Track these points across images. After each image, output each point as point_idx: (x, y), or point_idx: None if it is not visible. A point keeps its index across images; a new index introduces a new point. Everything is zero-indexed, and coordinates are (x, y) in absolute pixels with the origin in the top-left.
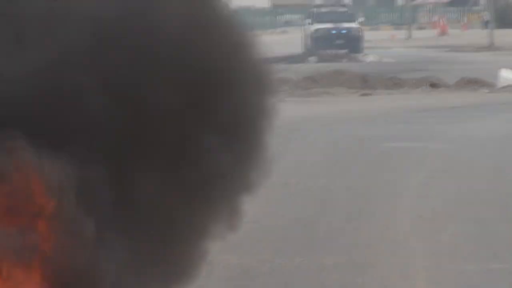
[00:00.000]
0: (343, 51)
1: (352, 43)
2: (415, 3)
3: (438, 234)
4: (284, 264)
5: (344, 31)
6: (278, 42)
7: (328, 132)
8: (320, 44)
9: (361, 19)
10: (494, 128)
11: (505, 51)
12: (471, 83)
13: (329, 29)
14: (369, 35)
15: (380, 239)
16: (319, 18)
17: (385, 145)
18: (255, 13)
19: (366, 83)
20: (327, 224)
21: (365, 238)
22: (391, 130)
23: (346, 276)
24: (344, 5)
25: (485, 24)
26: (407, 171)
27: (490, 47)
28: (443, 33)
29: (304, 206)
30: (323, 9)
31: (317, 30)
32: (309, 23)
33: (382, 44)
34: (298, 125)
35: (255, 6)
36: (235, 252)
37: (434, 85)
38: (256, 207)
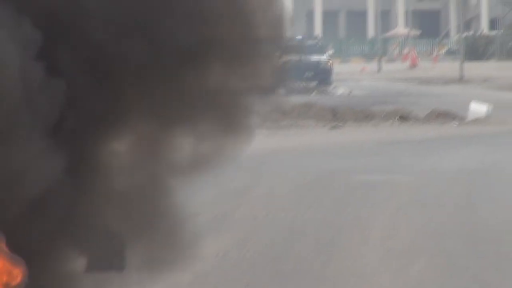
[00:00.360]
0: (312, 84)
1: (321, 76)
2: (386, 36)
3: (407, 268)
4: None
5: (313, 64)
6: None
7: (298, 165)
8: (290, 76)
9: (330, 52)
10: (463, 161)
11: (475, 84)
12: (441, 115)
13: (298, 62)
14: (340, 68)
15: (349, 274)
16: (287, 51)
17: (355, 177)
18: None
19: (336, 115)
20: (295, 258)
21: (333, 272)
22: (361, 163)
23: None
24: (314, 37)
25: (449, 54)
26: (377, 204)
27: (460, 79)
28: (413, 65)
29: (273, 239)
30: (291, 41)
31: (286, 63)
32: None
33: (353, 77)
34: (267, 158)
35: None
36: (203, 285)
37: (404, 118)
38: (225, 239)
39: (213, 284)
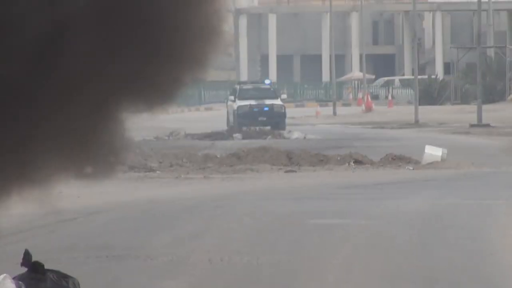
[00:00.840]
0: (266, 128)
1: (275, 120)
2: (341, 80)
3: None
4: None
5: (266, 108)
6: (203, 119)
7: (253, 209)
8: (244, 120)
9: (283, 96)
10: (418, 205)
11: (430, 128)
12: (396, 159)
13: (251, 106)
14: (294, 112)
15: None
16: (242, 94)
17: (310, 221)
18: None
19: (291, 159)
20: None
21: None
22: (316, 207)
23: None
24: (268, 82)
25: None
26: (332, 248)
27: (415, 123)
28: (368, 109)
29: (228, 284)
30: (246, 86)
31: (240, 107)
32: (232, 100)
33: (307, 121)
34: (222, 202)
35: None
36: None
37: (358, 162)
38: (180, 283)
39: None
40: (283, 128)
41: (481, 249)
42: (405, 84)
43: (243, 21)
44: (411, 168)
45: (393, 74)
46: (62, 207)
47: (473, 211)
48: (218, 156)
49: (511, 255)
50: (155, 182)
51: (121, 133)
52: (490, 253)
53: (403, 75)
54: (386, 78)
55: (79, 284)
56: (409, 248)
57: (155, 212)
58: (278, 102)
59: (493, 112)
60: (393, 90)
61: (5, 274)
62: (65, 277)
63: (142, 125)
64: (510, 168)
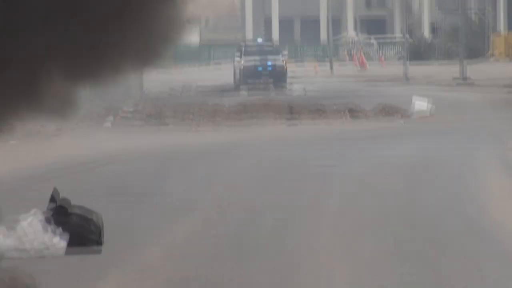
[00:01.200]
0: (269, 82)
1: (277, 76)
2: (338, 39)
3: (356, 246)
4: (214, 274)
5: (269, 65)
6: (213, 75)
7: (258, 157)
8: (249, 77)
9: (285, 53)
10: (407, 154)
11: (418, 83)
12: (387, 108)
13: (256, 63)
14: (295, 69)
15: (304, 250)
16: (247, 52)
17: (309, 167)
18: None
19: (292, 111)
20: (255, 235)
21: (290, 248)
22: (315, 154)
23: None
24: (270, 41)
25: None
26: (329, 190)
27: (405, 79)
28: (362, 67)
29: (236, 219)
30: (251, 45)
31: (245, 64)
32: (238, 57)
33: (307, 76)
34: (229, 150)
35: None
36: (174, 257)
37: (353, 111)
38: (195, 220)
39: (182, 257)
40: (285, 83)
41: (464, 193)
42: (395, 43)
43: None
44: (400, 119)
45: (385, 35)
46: (83, 154)
47: (459, 160)
48: (226, 108)
49: (491, 198)
50: (168, 133)
51: (138, 86)
52: (472, 196)
53: (395, 36)
54: (351, 38)
55: (101, 219)
56: (399, 192)
57: (169, 160)
58: (279, 60)
59: (475, 66)
60: (385, 49)
61: (35, 209)
62: (89, 212)
63: (158, 79)
64: (492, 120)
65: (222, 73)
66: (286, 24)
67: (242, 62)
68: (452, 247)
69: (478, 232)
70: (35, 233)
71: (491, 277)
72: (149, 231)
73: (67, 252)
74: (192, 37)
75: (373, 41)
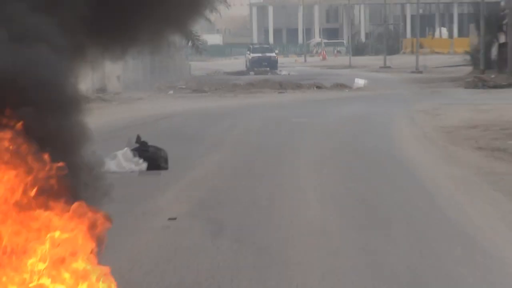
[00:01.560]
0: (267, 69)
1: (272, 64)
2: (309, 42)
3: (320, 168)
4: (231, 185)
5: (267, 57)
6: (232, 64)
7: (259, 114)
8: (254, 65)
9: (276, 51)
10: (353, 111)
11: (358, 69)
12: (339, 86)
13: (259, 57)
14: (283, 60)
15: (287, 172)
16: (253, 50)
17: (292, 120)
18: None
19: (281, 86)
20: (261, 163)
21: (276, 170)
22: (295, 112)
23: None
24: (268, 43)
25: (338, 52)
26: (304, 135)
27: (350, 66)
28: (324, 59)
29: (248, 153)
30: (256, 45)
31: (252, 57)
32: (248, 53)
33: (290, 65)
34: (243, 110)
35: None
36: (203, 181)
37: (319, 87)
38: (220, 154)
39: (216, 174)
40: (276, 69)
41: (385, 134)
42: (344, 44)
43: (253, 9)
44: (347, 90)
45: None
46: (155, 112)
47: (381, 114)
48: (241, 84)
49: (401, 137)
50: (206, 99)
51: (188, 71)
52: (390, 136)
53: (343, 40)
54: (317, 41)
55: (166, 152)
56: (348, 136)
57: (207, 115)
58: (274, 54)
59: (392, 59)
60: (338, 48)
61: (126, 147)
62: (159, 149)
63: (199, 67)
64: (403, 90)
65: (238, 62)
66: (277, 32)
67: (250, 56)
68: (377, 164)
69: (393, 156)
70: (127, 159)
71: (401, 184)
72: (196, 159)
73: (146, 172)
74: (219, 41)
75: (330, 42)
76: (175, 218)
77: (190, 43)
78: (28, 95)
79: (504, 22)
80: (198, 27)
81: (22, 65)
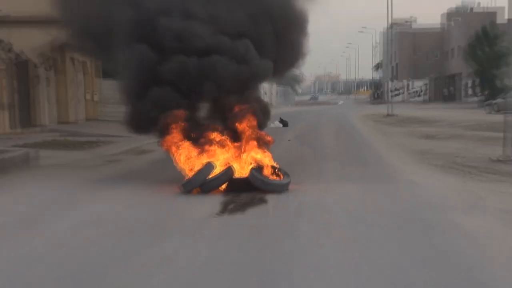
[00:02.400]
0: None
1: None
2: None
3: (323, 132)
4: (297, 148)
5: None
6: None
7: (313, 111)
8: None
9: None
10: (334, 110)
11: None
12: (328, 102)
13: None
14: None
15: (319, 134)
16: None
17: (321, 112)
18: None
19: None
20: (314, 131)
21: (319, 136)
22: (320, 109)
23: None
24: None
25: None
26: (323, 114)
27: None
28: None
29: (310, 127)
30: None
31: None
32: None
33: None
34: (307, 111)
35: None
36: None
37: (320, 103)
38: (299, 129)
39: (300, 130)
40: None
41: (348, 120)
42: None
43: None
44: (331, 106)
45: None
46: (289, 111)
47: (345, 113)
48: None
49: (356, 121)
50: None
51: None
52: (352, 121)
53: None
54: None
55: (288, 122)
56: (334, 116)
57: (298, 113)
58: None
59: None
60: None
61: (276, 121)
62: (286, 121)
63: None
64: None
65: None
66: None
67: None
68: (348, 131)
69: (351, 129)
70: (275, 124)
71: (349, 129)
72: (288, 132)
73: (282, 128)
74: None
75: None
76: (289, 140)
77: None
78: (249, 89)
79: None
80: None
81: (247, 74)
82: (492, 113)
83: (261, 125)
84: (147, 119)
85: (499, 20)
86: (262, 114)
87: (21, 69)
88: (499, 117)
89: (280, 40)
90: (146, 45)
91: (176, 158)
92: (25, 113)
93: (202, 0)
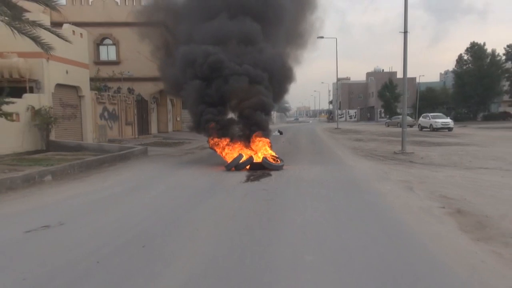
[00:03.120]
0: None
1: None
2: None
3: (310, 137)
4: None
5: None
6: None
7: (299, 128)
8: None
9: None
10: (309, 126)
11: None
12: (307, 121)
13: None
14: None
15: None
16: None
17: (302, 127)
18: None
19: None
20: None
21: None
22: (297, 125)
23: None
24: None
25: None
26: (302, 128)
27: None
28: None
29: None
30: None
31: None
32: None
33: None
34: (291, 127)
35: None
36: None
37: (299, 122)
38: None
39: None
40: None
41: (314, 132)
42: None
43: None
44: (310, 121)
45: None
46: (284, 126)
47: (313, 128)
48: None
49: (320, 133)
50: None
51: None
52: (317, 134)
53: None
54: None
55: (283, 132)
56: (310, 129)
57: (296, 128)
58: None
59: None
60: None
61: (276, 132)
62: (282, 131)
63: None
64: (319, 124)
65: None
66: None
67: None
68: (314, 136)
69: (316, 136)
70: (276, 133)
71: (312, 136)
72: (283, 137)
73: (279, 135)
74: None
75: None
76: (283, 141)
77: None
78: (261, 110)
79: None
80: None
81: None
82: (388, 127)
83: (268, 137)
84: (200, 127)
85: (398, 76)
86: (267, 132)
87: (141, 104)
88: (396, 129)
89: (277, 85)
90: (198, 80)
91: (218, 152)
92: (142, 127)
93: (237, 59)
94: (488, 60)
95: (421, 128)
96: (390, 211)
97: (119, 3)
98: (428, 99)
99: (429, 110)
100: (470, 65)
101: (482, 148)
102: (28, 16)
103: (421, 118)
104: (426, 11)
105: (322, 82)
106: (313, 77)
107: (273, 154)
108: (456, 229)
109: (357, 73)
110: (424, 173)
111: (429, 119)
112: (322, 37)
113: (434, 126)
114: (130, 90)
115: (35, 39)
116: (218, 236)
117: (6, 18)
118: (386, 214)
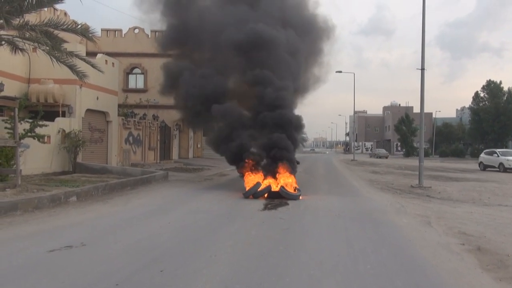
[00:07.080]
0: None
1: None
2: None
3: (322, 164)
4: None
5: None
6: None
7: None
8: None
9: None
10: (325, 157)
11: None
12: (321, 152)
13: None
14: None
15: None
16: None
17: (312, 154)
18: None
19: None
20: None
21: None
22: (313, 155)
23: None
24: None
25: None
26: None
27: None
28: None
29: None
30: None
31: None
32: None
33: None
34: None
35: None
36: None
37: (315, 152)
38: None
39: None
40: None
41: (329, 161)
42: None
43: None
44: (327, 152)
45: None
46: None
47: (328, 158)
48: None
49: (335, 161)
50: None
51: None
52: (331, 160)
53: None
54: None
55: (299, 161)
56: (322, 159)
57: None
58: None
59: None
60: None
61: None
62: (298, 161)
63: None
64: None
65: None
66: None
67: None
68: (330, 167)
69: (332, 166)
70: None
71: (329, 164)
72: (300, 166)
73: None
74: None
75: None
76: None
77: None
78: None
79: None
80: None
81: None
82: (371, 157)
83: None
84: (232, 157)
85: (414, 111)
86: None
87: (164, 130)
88: (414, 162)
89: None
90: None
91: (245, 179)
92: (164, 152)
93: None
94: (505, 98)
95: (484, 167)
96: (407, 245)
97: (149, 36)
98: (445, 134)
99: (445, 145)
100: (486, 102)
101: (501, 185)
102: (66, 46)
103: (483, 155)
104: (441, 49)
105: (339, 115)
106: (330, 109)
107: (295, 183)
108: (477, 267)
109: (374, 107)
110: (442, 208)
111: (498, 156)
112: (340, 72)
113: (506, 166)
114: (155, 117)
115: (72, 68)
116: (236, 262)
117: (47, 48)
118: (403, 248)
